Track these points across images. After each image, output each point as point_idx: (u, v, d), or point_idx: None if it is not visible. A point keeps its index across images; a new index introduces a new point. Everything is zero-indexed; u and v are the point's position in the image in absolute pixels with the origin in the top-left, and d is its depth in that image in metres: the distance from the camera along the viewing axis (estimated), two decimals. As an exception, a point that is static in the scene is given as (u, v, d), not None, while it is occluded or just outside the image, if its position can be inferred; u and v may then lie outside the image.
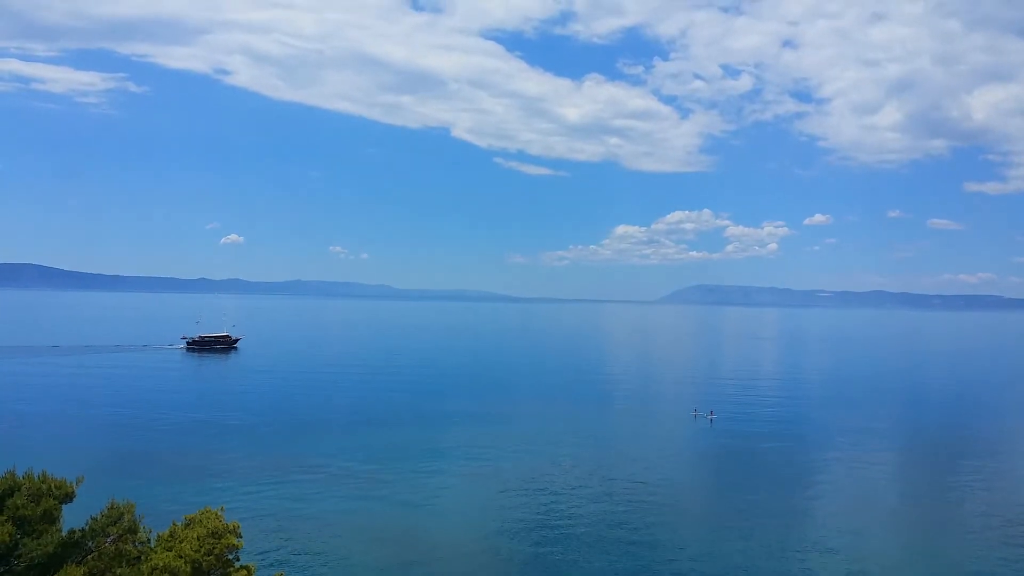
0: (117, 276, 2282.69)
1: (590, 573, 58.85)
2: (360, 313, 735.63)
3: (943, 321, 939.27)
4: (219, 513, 32.77)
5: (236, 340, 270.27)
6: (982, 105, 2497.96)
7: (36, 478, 28.34)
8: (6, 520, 25.76)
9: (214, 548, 30.96)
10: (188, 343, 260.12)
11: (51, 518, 27.75)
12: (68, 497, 28.54)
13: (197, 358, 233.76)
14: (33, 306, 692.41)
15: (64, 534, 28.34)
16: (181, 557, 29.71)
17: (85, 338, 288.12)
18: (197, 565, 30.12)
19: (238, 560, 32.10)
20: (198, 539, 30.82)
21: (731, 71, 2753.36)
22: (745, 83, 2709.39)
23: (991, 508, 79.90)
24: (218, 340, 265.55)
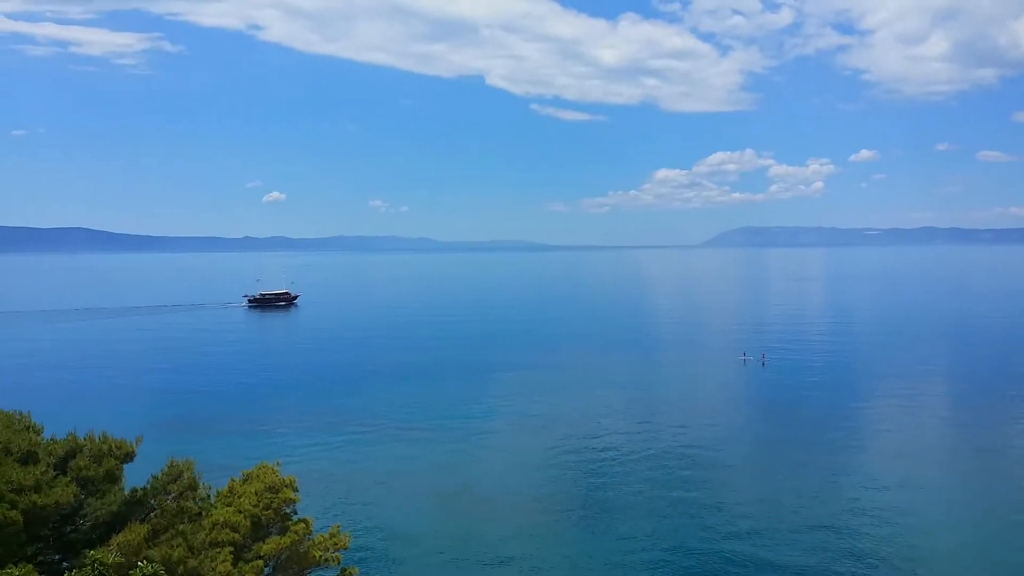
0: (164, 237, 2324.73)
1: (639, 520, 58.97)
2: (406, 267, 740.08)
3: (994, 255, 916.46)
4: (275, 468, 33.14)
5: (295, 297, 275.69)
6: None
7: (97, 439, 28.83)
8: (70, 481, 26.27)
9: (272, 502, 31.34)
10: (250, 301, 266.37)
11: (113, 478, 28.24)
12: (129, 457, 28.99)
13: (259, 315, 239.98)
14: (89, 269, 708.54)
15: (127, 493, 28.84)
16: (240, 512, 30.13)
17: (150, 299, 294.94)
18: (256, 519, 30.55)
19: (296, 513, 32.48)
20: (256, 494, 31.22)
21: (770, 4, 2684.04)
22: (785, 16, 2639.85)
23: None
24: (279, 297, 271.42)
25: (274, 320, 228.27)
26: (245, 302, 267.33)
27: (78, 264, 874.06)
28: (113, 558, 14.23)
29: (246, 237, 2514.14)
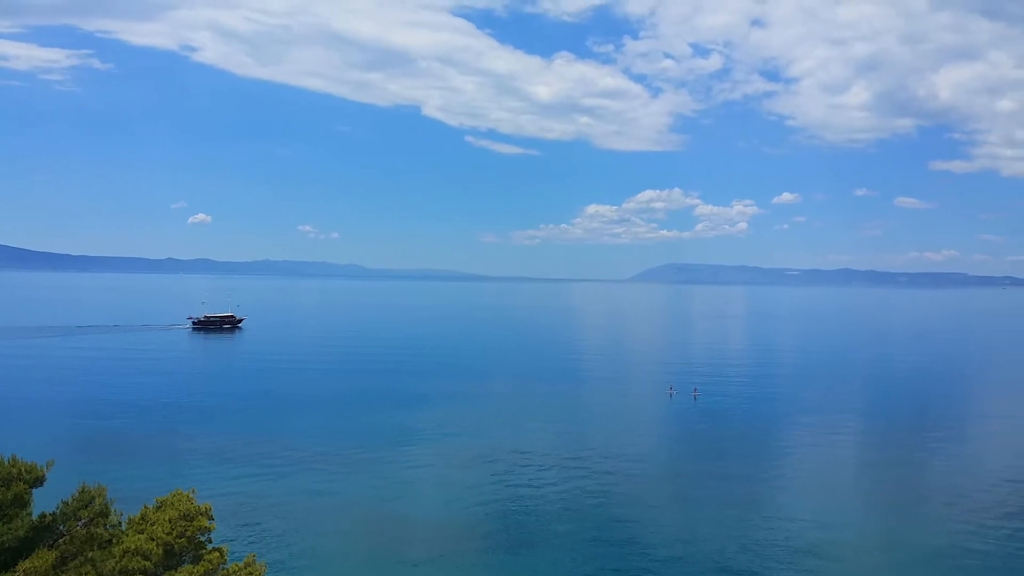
0: (84, 256, 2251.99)
1: (564, 551, 59.47)
2: (337, 294, 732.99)
3: (909, 299, 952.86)
4: (190, 495, 32.63)
5: (240, 320, 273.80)
6: (948, 84, 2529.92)
7: (6, 462, 28.14)
8: (-25, 505, 25.60)
9: (186, 530, 30.86)
10: (194, 323, 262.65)
11: (22, 502, 27.53)
12: (38, 481, 28.31)
13: (203, 338, 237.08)
14: (8, 286, 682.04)
15: (35, 518, 28.16)
16: (153, 540, 29.61)
17: (80, 318, 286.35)
18: (169, 547, 30.05)
19: (210, 542, 32.05)
20: (170, 521, 30.71)
21: (701, 50, 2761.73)
22: (715, 62, 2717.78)
23: (956, 481, 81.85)
24: (224, 320, 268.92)
25: (217, 343, 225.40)
26: (189, 324, 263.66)
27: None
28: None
29: (169, 259, 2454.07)
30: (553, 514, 67.43)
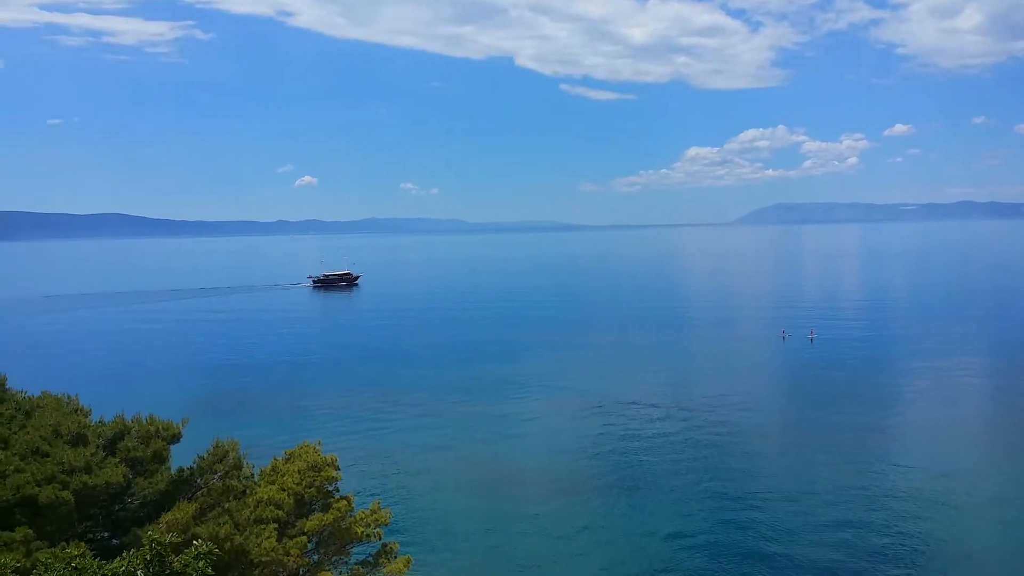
0: (199, 222, 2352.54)
1: (673, 503, 58.94)
2: (442, 249, 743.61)
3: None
4: (317, 447, 33.60)
5: (357, 277, 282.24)
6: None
7: (144, 421, 29.40)
8: (119, 462, 26.82)
9: (315, 480, 31.78)
10: (314, 281, 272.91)
11: (161, 458, 28.81)
12: (175, 438, 29.55)
13: (323, 295, 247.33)
14: (136, 253, 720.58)
15: (173, 472, 29.43)
16: (284, 490, 30.60)
17: (209, 281, 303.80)
18: (299, 497, 31.02)
19: (337, 491, 32.93)
20: (299, 472, 31.68)
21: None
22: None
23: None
24: (341, 278, 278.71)
25: (336, 300, 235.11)
26: (310, 282, 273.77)
27: (120, 248, 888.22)
28: (169, 538, 14.47)
29: (279, 221, 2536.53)
30: (662, 466, 66.56)
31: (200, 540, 15.41)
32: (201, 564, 14.54)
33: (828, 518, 53.85)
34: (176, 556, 14.46)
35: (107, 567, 13.97)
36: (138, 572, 13.88)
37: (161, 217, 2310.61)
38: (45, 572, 13.25)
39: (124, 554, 14.41)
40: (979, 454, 68.46)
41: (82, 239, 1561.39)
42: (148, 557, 14.03)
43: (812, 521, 53.22)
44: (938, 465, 64.71)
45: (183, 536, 24.85)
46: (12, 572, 14.02)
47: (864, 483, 60.33)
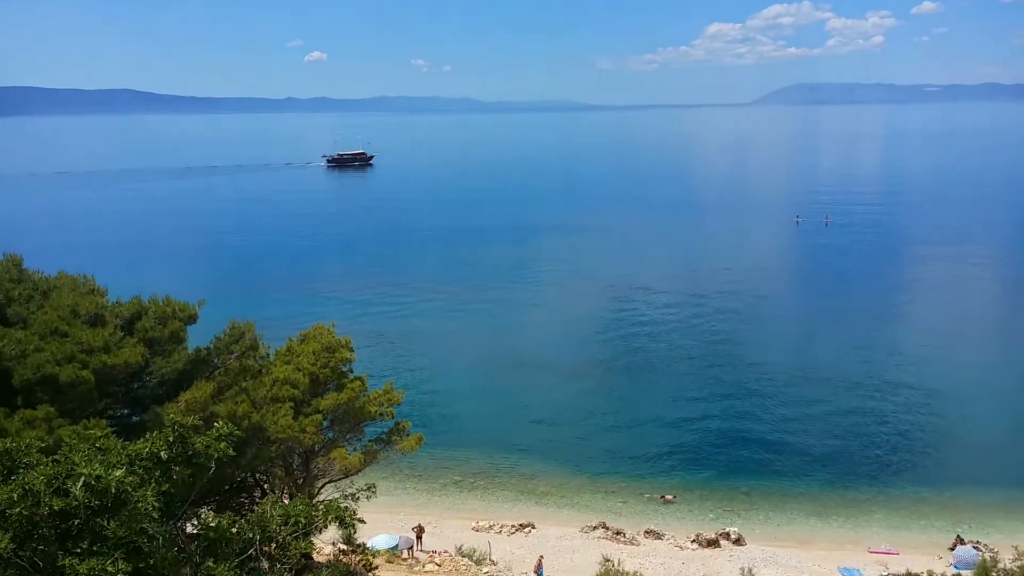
0: (209, 98, 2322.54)
1: (678, 386, 60.09)
2: (455, 129, 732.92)
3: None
4: (331, 328, 34.08)
5: (371, 157, 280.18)
6: None
7: (161, 302, 29.72)
8: (137, 342, 27.23)
9: (329, 361, 32.38)
10: (328, 160, 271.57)
11: (178, 339, 29.21)
12: (192, 319, 29.86)
13: (337, 175, 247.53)
14: (147, 129, 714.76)
15: (191, 352, 29.94)
16: (299, 370, 31.22)
17: (224, 159, 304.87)
18: (314, 377, 31.67)
19: (352, 372, 33.58)
20: (313, 353, 32.26)
21: None
22: None
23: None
24: (355, 157, 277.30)
25: (350, 180, 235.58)
26: (324, 162, 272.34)
27: (131, 125, 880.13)
28: (192, 419, 14.87)
29: (289, 98, 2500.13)
30: (670, 351, 67.47)
31: (220, 421, 15.81)
32: (223, 445, 14.96)
33: (831, 406, 54.90)
34: (198, 437, 14.87)
35: (130, 447, 14.39)
36: (161, 452, 14.30)
37: (170, 93, 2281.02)
38: (69, 452, 13.65)
39: (147, 435, 14.82)
40: (986, 346, 68.71)
41: (92, 115, 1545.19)
42: (171, 439, 14.44)
43: (809, 410, 54.25)
44: (945, 355, 65.31)
45: (202, 414, 25.57)
46: (37, 451, 14.43)
47: (870, 372, 61.04)
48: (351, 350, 33.60)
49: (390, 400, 34.28)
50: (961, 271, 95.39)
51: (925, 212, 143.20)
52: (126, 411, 28.84)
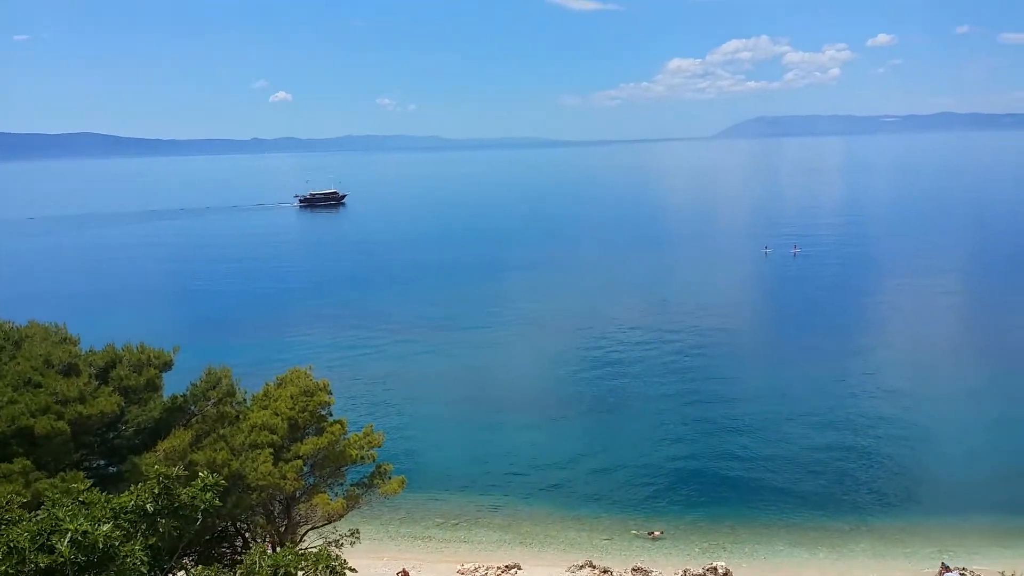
0: (174, 140, 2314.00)
1: (653, 418, 60.10)
2: (423, 167, 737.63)
3: (1015, 141, 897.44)
4: (308, 372, 33.69)
5: (343, 196, 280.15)
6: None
7: (135, 349, 29.26)
8: (113, 391, 26.76)
9: (308, 405, 31.99)
10: (300, 200, 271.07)
11: (154, 386, 28.77)
12: (167, 366, 29.47)
13: (310, 214, 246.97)
14: (110, 173, 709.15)
15: (167, 400, 29.47)
16: (277, 415, 30.79)
17: (190, 201, 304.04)
18: (293, 421, 31.25)
19: (331, 415, 33.20)
20: (291, 397, 31.85)
21: None
22: None
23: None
24: (328, 197, 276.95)
25: (323, 220, 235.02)
26: (296, 202, 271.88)
27: (95, 169, 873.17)
28: (176, 470, 14.52)
29: (254, 139, 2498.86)
30: (642, 387, 67.19)
31: (205, 472, 15.46)
32: (209, 496, 14.62)
33: (810, 438, 54.77)
34: (183, 488, 14.52)
35: (115, 500, 13.99)
36: (147, 505, 13.92)
37: (134, 136, 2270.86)
38: (53, 507, 13.24)
39: (132, 488, 14.43)
40: (960, 374, 69.36)
41: (54, 159, 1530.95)
42: (156, 490, 14.07)
43: (788, 444, 53.92)
44: (919, 385, 65.67)
45: (181, 463, 25.06)
46: (19, 507, 13.98)
47: (847, 403, 61.14)
48: (329, 393, 33.25)
49: (370, 443, 33.90)
50: (930, 299, 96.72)
51: (890, 241, 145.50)
52: (102, 462, 28.27)
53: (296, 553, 16.21)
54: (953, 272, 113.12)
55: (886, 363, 70.96)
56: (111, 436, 28.74)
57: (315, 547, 28.34)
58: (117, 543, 12.71)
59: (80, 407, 25.12)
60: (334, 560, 16.86)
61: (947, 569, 38.28)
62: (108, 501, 13.98)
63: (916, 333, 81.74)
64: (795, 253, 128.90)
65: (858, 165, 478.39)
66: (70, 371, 26.88)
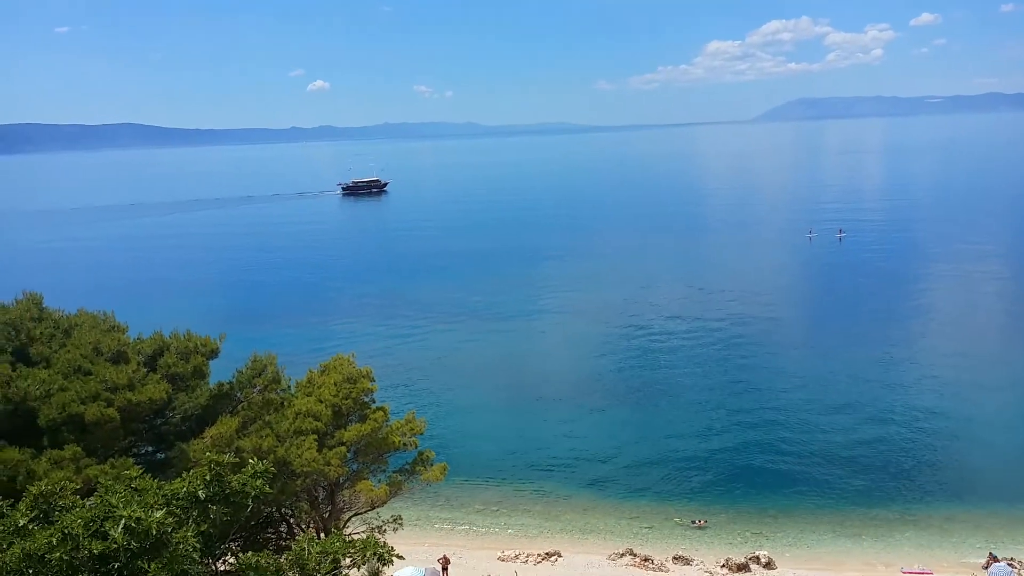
0: (213, 130, 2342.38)
1: (694, 408, 59.61)
2: (461, 154, 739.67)
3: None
4: (351, 359, 33.81)
5: (385, 184, 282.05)
6: None
7: (182, 337, 29.59)
8: (160, 378, 27.08)
9: (351, 392, 32.09)
10: (344, 188, 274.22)
11: (201, 374, 29.09)
12: (214, 353, 29.77)
13: (352, 202, 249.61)
14: (155, 164, 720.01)
15: (213, 387, 29.79)
16: (321, 401, 30.96)
17: (235, 191, 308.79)
18: (337, 408, 31.39)
19: (374, 402, 33.30)
20: (335, 384, 31.98)
21: None
22: None
23: None
24: (370, 185, 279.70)
25: (366, 207, 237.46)
26: (339, 190, 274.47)
27: (138, 159, 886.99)
28: (228, 457, 14.62)
29: (293, 128, 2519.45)
30: (685, 376, 66.64)
31: (255, 459, 15.56)
32: (259, 482, 14.71)
33: (854, 426, 54.01)
34: (234, 475, 14.62)
35: (167, 487, 14.14)
36: (199, 492, 14.05)
37: (173, 126, 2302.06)
38: (106, 493, 13.39)
39: (184, 474, 14.57)
40: (1009, 362, 67.62)
41: (97, 150, 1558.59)
42: (208, 477, 14.18)
43: (832, 433, 53.05)
44: (966, 373, 64.01)
45: (228, 449, 25.34)
46: (72, 494, 14.17)
47: (892, 391, 60.10)
48: (372, 380, 33.33)
49: (413, 430, 33.98)
50: (977, 285, 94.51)
51: (936, 225, 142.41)
52: (150, 448, 28.68)
53: (344, 540, 16.28)
54: (1000, 256, 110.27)
55: (932, 351, 69.47)
56: (159, 423, 29.13)
57: (361, 533, 28.62)
58: (170, 529, 12.82)
59: (129, 394, 25.46)
60: (381, 547, 16.90)
61: (995, 559, 37.51)
62: (160, 488, 14.13)
63: (963, 320, 80.00)
64: (840, 237, 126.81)
65: (902, 147, 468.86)
66: (119, 359, 27.25)
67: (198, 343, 29.28)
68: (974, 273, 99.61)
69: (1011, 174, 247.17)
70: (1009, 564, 36.94)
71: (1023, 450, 49.74)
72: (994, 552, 38.36)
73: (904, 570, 38.06)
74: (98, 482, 14.93)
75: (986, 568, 37.12)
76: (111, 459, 24.38)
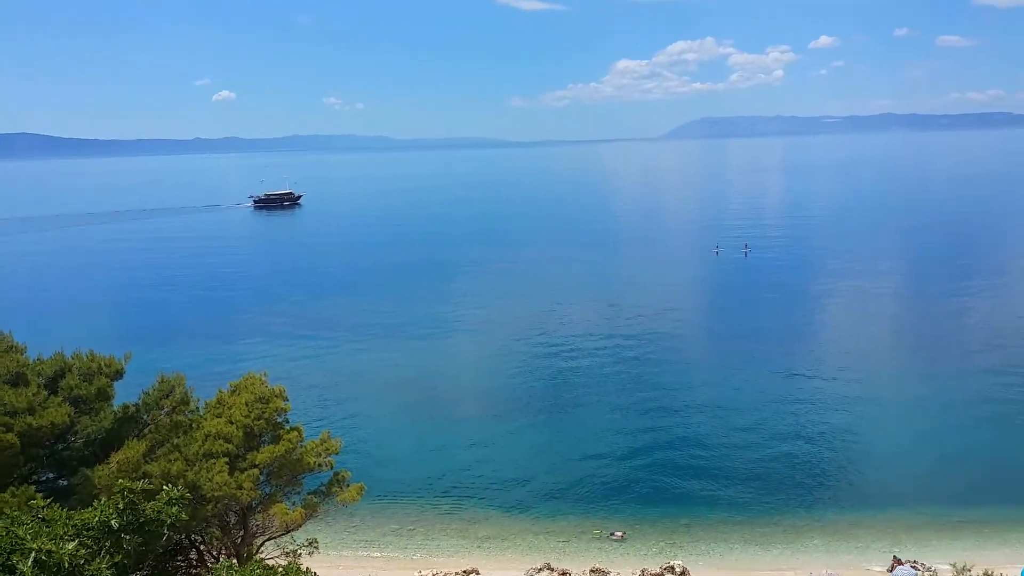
0: (114, 140, 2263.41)
1: (607, 417, 60.55)
2: (373, 167, 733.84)
3: (951, 142, 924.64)
4: (263, 378, 33.05)
5: (299, 197, 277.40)
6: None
7: (85, 357, 28.46)
8: (62, 401, 25.99)
9: (263, 412, 31.31)
10: (256, 201, 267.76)
11: (105, 396, 27.98)
12: (119, 374, 28.69)
13: (265, 216, 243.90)
14: (57, 175, 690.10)
15: (118, 409, 28.73)
16: (232, 423, 30.13)
17: (138, 203, 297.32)
18: (248, 429, 30.58)
19: (287, 422, 32.62)
20: (246, 405, 31.16)
21: None
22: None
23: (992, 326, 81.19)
24: (283, 197, 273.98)
25: (279, 221, 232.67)
26: (251, 203, 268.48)
27: (36, 170, 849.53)
28: (141, 485, 14.13)
29: (197, 139, 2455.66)
30: (596, 386, 67.56)
31: (168, 485, 15.10)
32: (175, 510, 14.28)
33: (764, 435, 55.76)
34: (148, 503, 14.15)
35: (77, 516, 13.57)
36: (112, 521, 13.53)
37: (73, 136, 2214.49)
38: (12, 525, 12.76)
39: (96, 503, 14.01)
40: (908, 369, 71.42)
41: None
42: (121, 506, 13.68)
43: (741, 444, 54.49)
44: (869, 380, 67.19)
45: (135, 474, 24.45)
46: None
47: (799, 401, 62.34)
48: (285, 399, 32.60)
49: (328, 449, 33.33)
50: (873, 301, 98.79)
51: (834, 241, 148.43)
52: (52, 475, 27.43)
53: (265, 566, 15.91)
54: (894, 272, 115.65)
55: (832, 365, 72.11)
56: (60, 448, 27.89)
57: (275, 558, 28.00)
58: (82, 562, 12.33)
59: (29, 418, 24.36)
60: (303, 573, 16.60)
61: (899, 562, 39.18)
62: (70, 517, 13.56)
63: (860, 334, 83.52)
64: (746, 252, 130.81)
65: (802, 165, 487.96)
66: (18, 381, 26.02)
67: (102, 363, 28.19)
68: (870, 289, 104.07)
69: (904, 191, 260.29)
70: (912, 566, 38.59)
71: (921, 457, 52.19)
72: (898, 555, 40.07)
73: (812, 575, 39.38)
74: (2, 512, 14.22)
75: (891, 571, 38.72)
76: (11, 487, 23.22)
